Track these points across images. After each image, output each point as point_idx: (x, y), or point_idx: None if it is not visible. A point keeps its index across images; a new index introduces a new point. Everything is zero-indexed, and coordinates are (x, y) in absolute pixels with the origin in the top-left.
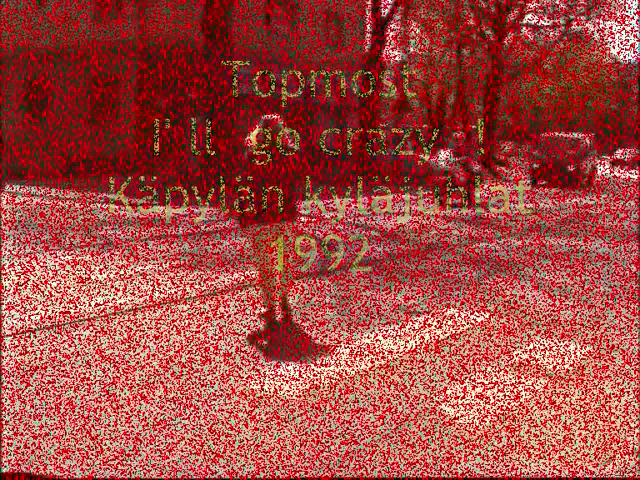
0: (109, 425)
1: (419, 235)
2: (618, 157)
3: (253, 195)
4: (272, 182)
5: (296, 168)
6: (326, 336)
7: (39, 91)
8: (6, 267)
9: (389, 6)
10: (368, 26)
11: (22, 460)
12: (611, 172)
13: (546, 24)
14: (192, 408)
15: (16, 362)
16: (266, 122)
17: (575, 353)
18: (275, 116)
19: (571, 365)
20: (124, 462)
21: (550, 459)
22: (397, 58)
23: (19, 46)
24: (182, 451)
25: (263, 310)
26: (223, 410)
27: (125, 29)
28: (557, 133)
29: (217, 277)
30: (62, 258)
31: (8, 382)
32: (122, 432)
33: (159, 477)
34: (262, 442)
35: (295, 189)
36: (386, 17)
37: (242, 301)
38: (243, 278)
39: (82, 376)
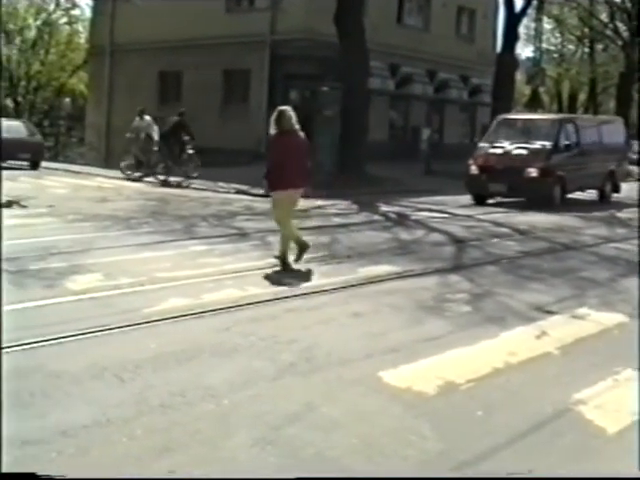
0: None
1: (552, 233)
2: None
3: (273, 166)
4: (286, 157)
5: (305, 148)
6: (463, 330)
7: (172, 82)
8: (142, 256)
9: (522, 1)
10: (500, 21)
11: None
12: None
13: None
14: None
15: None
16: (279, 111)
17: None
18: (287, 107)
19: None
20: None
21: None
22: (529, 54)
23: (152, 38)
24: None
25: (278, 253)
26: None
27: (257, 22)
28: None
29: (354, 269)
30: (197, 248)
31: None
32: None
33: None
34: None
35: (305, 164)
36: (519, 12)
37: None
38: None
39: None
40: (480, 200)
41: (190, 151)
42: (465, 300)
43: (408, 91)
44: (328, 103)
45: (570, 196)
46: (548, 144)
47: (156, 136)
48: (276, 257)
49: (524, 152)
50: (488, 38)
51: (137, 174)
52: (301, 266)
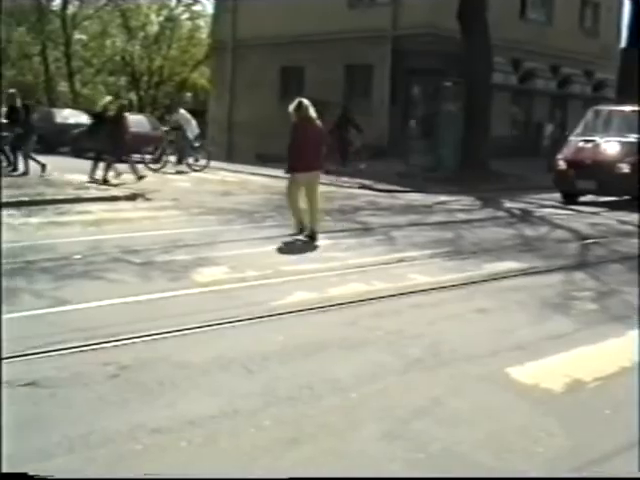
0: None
1: None
2: None
3: (292, 151)
4: (304, 143)
5: (321, 135)
6: (589, 328)
7: (294, 77)
8: (267, 250)
9: None
10: (625, 14)
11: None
12: None
13: None
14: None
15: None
16: (299, 102)
17: None
18: (303, 99)
19: None
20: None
21: None
22: None
23: (275, 33)
24: None
25: (293, 232)
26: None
27: (379, 17)
28: None
29: (479, 265)
30: (321, 242)
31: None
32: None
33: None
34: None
35: (321, 149)
36: None
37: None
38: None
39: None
40: (569, 198)
41: (357, 144)
42: (591, 298)
43: (531, 86)
44: (451, 99)
45: None
46: None
47: (190, 133)
48: (306, 235)
49: (615, 146)
50: (612, 32)
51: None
52: (425, 261)
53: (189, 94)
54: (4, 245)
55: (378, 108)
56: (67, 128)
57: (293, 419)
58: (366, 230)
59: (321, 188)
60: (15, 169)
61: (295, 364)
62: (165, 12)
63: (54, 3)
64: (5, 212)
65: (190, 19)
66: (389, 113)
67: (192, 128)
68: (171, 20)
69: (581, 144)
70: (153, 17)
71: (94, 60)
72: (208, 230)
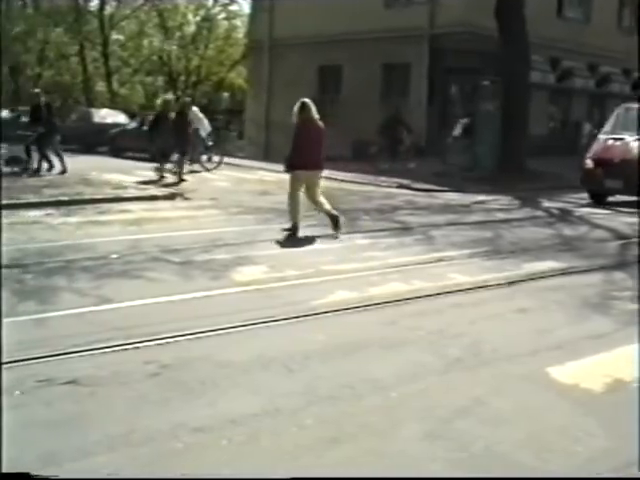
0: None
1: None
2: None
3: (295, 149)
4: (306, 142)
5: (322, 135)
6: (630, 328)
7: (331, 76)
8: (306, 249)
9: None
10: None
11: None
12: None
13: None
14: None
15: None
16: (302, 103)
17: None
18: (307, 100)
19: None
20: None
21: None
22: None
23: (312, 33)
24: None
25: (288, 226)
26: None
27: (415, 15)
28: None
29: (518, 264)
30: (361, 242)
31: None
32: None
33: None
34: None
35: (322, 148)
36: None
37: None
38: (550, 268)
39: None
40: (598, 198)
41: (407, 143)
42: (631, 298)
43: (569, 85)
44: (488, 98)
45: None
46: None
47: (203, 131)
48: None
49: None
50: None
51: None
52: (464, 260)
53: (226, 94)
54: (44, 244)
55: (415, 107)
56: (105, 128)
57: (334, 418)
58: (405, 229)
59: (359, 187)
60: (51, 167)
61: (336, 363)
62: (202, 12)
63: (92, 4)
64: (43, 212)
65: (227, 19)
66: (426, 112)
67: (204, 126)
68: (208, 20)
69: (610, 142)
70: (190, 17)
71: (131, 60)
72: (247, 229)
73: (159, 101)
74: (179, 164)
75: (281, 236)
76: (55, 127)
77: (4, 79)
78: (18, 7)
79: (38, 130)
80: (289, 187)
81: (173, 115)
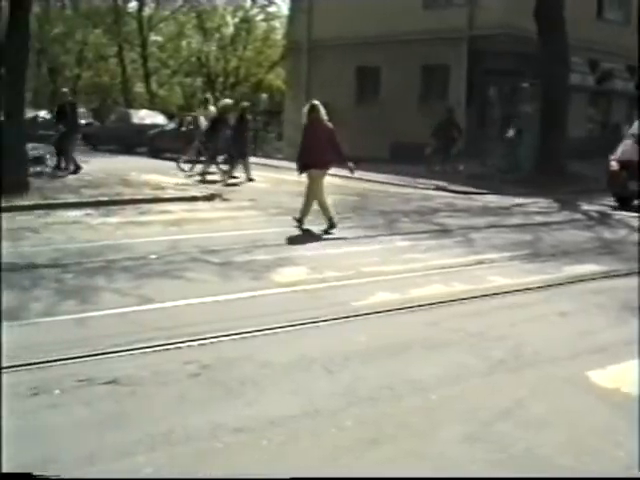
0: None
1: None
2: None
3: (304, 149)
4: (315, 142)
5: (330, 135)
6: None
7: (370, 78)
8: (346, 251)
9: None
10: None
11: None
12: None
13: None
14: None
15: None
16: (311, 105)
17: None
18: (316, 101)
19: None
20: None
21: None
22: None
23: (350, 34)
24: None
25: (297, 217)
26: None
27: (454, 17)
28: None
29: (559, 267)
30: (401, 244)
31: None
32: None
33: (201, 477)
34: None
35: (328, 149)
36: None
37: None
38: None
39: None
40: (623, 202)
41: (459, 145)
42: None
43: (608, 87)
44: (527, 100)
45: None
46: None
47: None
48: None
49: None
50: None
51: (197, 169)
52: (505, 263)
53: (265, 95)
54: (84, 244)
55: (455, 109)
56: (144, 129)
57: (374, 419)
58: (444, 232)
59: (397, 189)
60: (78, 168)
61: (377, 364)
62: (240, 13)
63: (130, 5)
64: (83, 212)
65: (265, 20)
66: (466, 114)
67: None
68: (246, 21)
69: (634, 144)
70: (228, 18)
71: (170, 61)
72: (286, 230)
73: (219, 104)
74: (245, 166)
75: (320, 237)
76: (76, 126)
77: (43, 80)
78: (57, 8)
79: (59, 129)
80: (309, 186)
81: (231, 118)
